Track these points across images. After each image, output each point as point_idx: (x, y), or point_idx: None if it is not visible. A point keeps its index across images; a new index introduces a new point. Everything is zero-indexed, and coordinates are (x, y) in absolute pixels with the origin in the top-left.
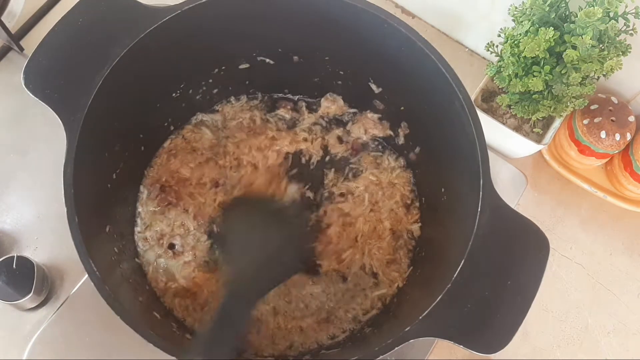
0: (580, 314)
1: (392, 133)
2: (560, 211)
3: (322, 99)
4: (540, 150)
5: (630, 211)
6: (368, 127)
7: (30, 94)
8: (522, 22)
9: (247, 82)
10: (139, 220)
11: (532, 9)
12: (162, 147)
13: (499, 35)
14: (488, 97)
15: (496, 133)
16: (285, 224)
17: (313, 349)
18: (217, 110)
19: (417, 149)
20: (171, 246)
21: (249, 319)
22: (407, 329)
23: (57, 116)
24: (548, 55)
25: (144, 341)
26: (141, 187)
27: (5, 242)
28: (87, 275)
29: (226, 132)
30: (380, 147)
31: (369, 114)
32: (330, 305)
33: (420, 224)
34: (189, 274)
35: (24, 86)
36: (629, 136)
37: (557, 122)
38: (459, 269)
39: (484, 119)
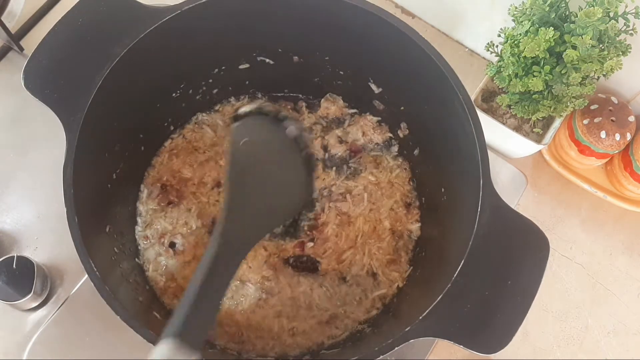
0: (580, 314)
1: (391, 135)
2: (560, 211)
3: (322, 100)
4: (540, 150)
5: (631, 211)
6: (366, 130)
7: (30, 94)
8: (522, 22)
9: (247, 82)
10: (139, 219)
11: (532, 9)
12: (163, 146)
13: (499, 35)
14: (488, 97)
15: (496, 133)
16: (289, 157)
17: (313, 349)
18: (218, 110)
19: (417, 149)
20: (172, 245)
21: (234, 272)
22: (407, 329)
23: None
24: (548, 55)
25: (144, 341)
26: (142, 187)
27: (5, 242)
28: (87, 275)
29: (227, 130)
30: (379, 147)
31: (368, 117)
32: (331, 306)
33: (420, 224)
34: (189, 274)
35: (23, 86)
36: (629, 136)
37: (557, 122)
38: (459, 269)
39: (484, 119)
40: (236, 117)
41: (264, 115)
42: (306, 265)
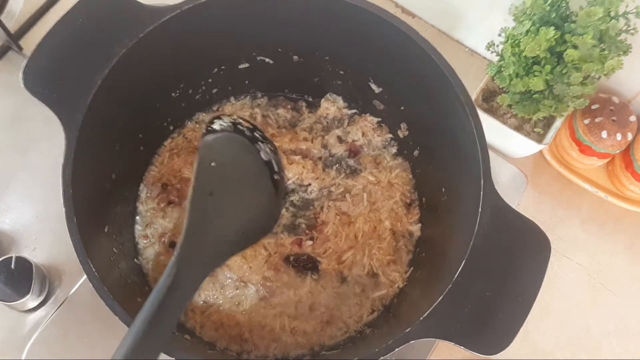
0: (581, 314)
1: (391, 136)
2: (561, 211)
3: (322, 100)
4: (541, 150)
5: (631, 211)
6: (366, 130)
7: (30, 94)
8: (522, 21)
9: (247, 82)
10: (139, 219)
11: (532, 8)
12: (162, 145)
13: (500, 35)
14: (489, 97)
15: (497, 133)
16: (258, 184)
17: (315, 349)
18: (217, 111)
19: (418, 149)
20: (172, 244)
21: (197, 288)
22: (407, 330)
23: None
24: (549, 55)
25: None
26: (142, 186)
27: (4, 243)
28: (85, 276)
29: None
30: (379, 147)
31: (369, 118)
32: (331, 306)
33: (420, 224)
34: None
35: (23, 86)
36: (630, 136)
37: (558, 122)
38: (459, 269)
39: (485, 119)
40: (209, 129)
41: (239, 131)
42: (306, 265)
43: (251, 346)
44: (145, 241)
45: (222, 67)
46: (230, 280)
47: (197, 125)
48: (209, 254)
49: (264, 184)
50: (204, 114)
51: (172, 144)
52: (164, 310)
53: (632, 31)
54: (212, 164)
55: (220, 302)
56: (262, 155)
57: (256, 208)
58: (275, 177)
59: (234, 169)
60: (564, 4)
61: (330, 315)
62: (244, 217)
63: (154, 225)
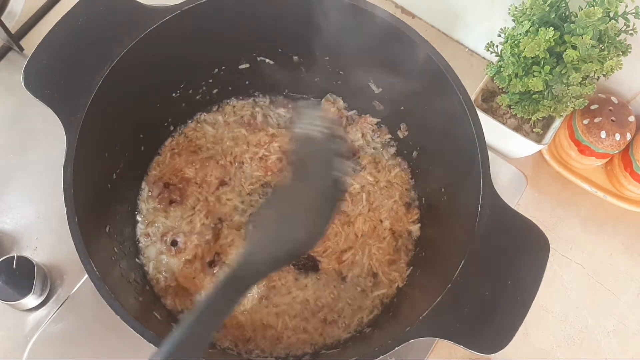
0: (580, 314)
1: (390, 136)
2: (560, 211)
3: (323, 100)
4: (540, 150)
5: (630, 211)
6: (366, 131)
7: (30, 94)
8: (522, 22)
9: (247, 82)
10: (140, 217)
11: (532, 8)
12: (164, 144)
13: (499, 35)
14: (488, 97)
15: (496, 133)
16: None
17: (316, 348)
18: (218, 111)
19: (417, 149)
20: (174, 243)
21: (246, 293)
22: (407, 329)
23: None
24: (548, 55)
25: (144, 341)
26: (143, 185)
27: (5, 242)
28: (87, 275)
29: (227, 127)
30: (378, 149)
31: (369, 118)
32: (332, 306)
33: (420, 224)
34: (189, 273)
35: (23, 86)
36: (629, 136)
37: (557, 122)
38: (459, 269)
39: (484, 119)
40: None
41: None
42: (307, 264)
43: (252, 345)
44: (146, 239)
45: (223, 68)
46: None
47: (198, 125)
48: (264, 263)
49: (326, 201)
50: (204, 114)
51: (172, 143)
52: (214, 308)
53: (631, 31)
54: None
55: None
56: (338, 170)
57: (311, 222)
58: (338, 196)
59: (307, 178)
60: (564, 5)
61: (330, 315)
62: (298, 231)
63: (155, 224)
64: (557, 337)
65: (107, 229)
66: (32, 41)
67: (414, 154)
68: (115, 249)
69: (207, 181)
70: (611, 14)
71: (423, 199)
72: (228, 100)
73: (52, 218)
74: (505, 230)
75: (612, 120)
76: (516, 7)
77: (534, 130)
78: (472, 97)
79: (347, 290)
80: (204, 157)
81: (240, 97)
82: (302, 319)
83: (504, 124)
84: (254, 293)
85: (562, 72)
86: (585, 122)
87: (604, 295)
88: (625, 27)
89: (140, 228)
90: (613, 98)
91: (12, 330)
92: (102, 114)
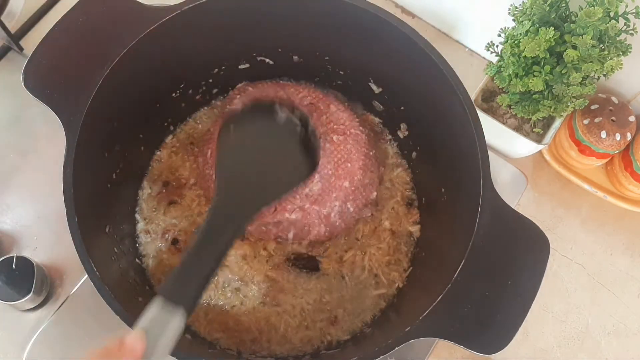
0: (580, 314)
1: (391, 137)
2: (561, 211)
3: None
4: (540, 150)
5: (631, 211)
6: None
7: (30, 94)
8: (522, 21)
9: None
10: (139, 216)
11: (532, 8)
12: (164, 142)
13: (499, 35)
14: (488, 97)
15: (496, 133)
16: (282, 139)
17: (313, 349)
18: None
19: (417, 149)
20: (174, 242)
21: (234, 240)
22: (407, 329)
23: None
24: (548, 55)
25: None
26: (143, 185)
27: (5, 242)
28: (86, 275)
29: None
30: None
31: (370, 118)
32: (332, 306)
33: (420, 224)
34: None
35: (23, 86)
36: (629, 136)
37: (557, 122)
38: (459, 269)
39: (484, 119)
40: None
41: (258, 110)
42: (307, 264)
43: (257, 346)
44: (146, 236)
45: (223, 68)
46: (231, 280)
47: (200, 124)
48: (242, 200)
49: (289, 139)
50: (204, 111)
51: (173, 141)
52: (205, 248)
53: (631, 31)
54: (233, 125)
55: (221, 302)
56: (278, 119)
57: (282, 159)
58: (299, 129)
59: (256, 130)
60: (564, 4)
61: (331, 314)
62: (271, 168)
63: (155, 221)
64: (557, 337)
65: (107, 229)
66: (32, 41)
67: (414, 154)
68: (115, 249)
69: (208, 181)
70: (611, 14)
71: (423, 199)
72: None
73: (52, 218)
74: (505, 230)
75: (612, 120)
76: (516, 7)
77: (534, 130)
78: (472, 97)
79: (348, 290)
80: (207, 153)
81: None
82: (303, 319)
83: (504, 124)
84: (255, 293)
85: (563, 72)
86: (586, 122)
87: (604, 295)
88: (625, 27)
89: (140, 227)
90: (613, 98)
91: (11, 330)
92: (102, 114)
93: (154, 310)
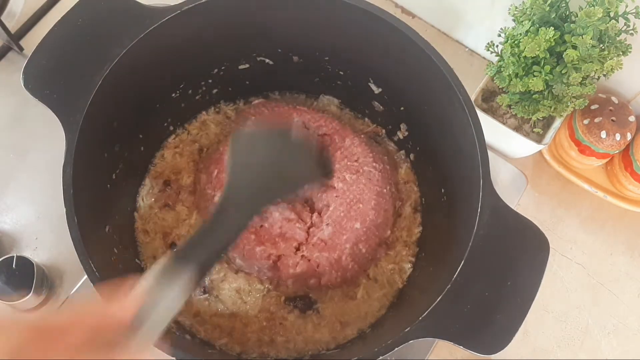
0: (580, 314)
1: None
2: (561, 211)
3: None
4: (540, 150)
5: (631, 211)
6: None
7: (30, 94)
8: (522, 21)
9: (247, 82)
10: (139, 215)
11: (532, 8)
12: (166, 141)
13: (499, 35)
14: (488, 97)
15: (496, 133)
16: (292, 150)
17: (314, 349)
18: (217, 112)
19: (417, 149)
20: (173, 245)
21: (242, 230)
22: (407, 330)
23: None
24: (548, 55)
25: None
26: (143, 185)
27: (5, 242)
28: (86, 276)
29: (231, 123)
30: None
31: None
32: (337, 317)
33: (420, 225)
34: None
35: (23, 86)
36: (629, 136)
37: (557, 122)
38: (458, 269)
39: (484, 119)
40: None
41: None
42: (306, 305)
43: (259, 346)
44: (146, 237)
45: (223, 68)
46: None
47: (201, 124)
48: (252, 191)
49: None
50: (206, 115)
51: (175, 141)
52: (218, 225)
53: (631, 31)
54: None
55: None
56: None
57: (291, 161)
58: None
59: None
60: (564, 4)
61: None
62: (280, 167)
63: (154, 220)
64: (557, 337)
65: (107, 229)
66: (32, 41)
67: (414, 154)
68: (114, 249)
69: (210, 180)
70: (611, 14)
71: (423, 199)
72: (228, 101)
73: (51, 218)
74: (505, 230)
75: (612, 120)
76: (516, 7)
77: (534, 130)
78: (472, 97)
79: (351, 308)
80: (210, 152)
81: (240, 98)
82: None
83: (504, 124)
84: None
85: (563, 72)
86: (586, 122)
87: (604, 295)
88: (625, 27)
89: (138, 225)
90: (613, 98)
91: None
92: (101, 114)
93: (164, 261)
